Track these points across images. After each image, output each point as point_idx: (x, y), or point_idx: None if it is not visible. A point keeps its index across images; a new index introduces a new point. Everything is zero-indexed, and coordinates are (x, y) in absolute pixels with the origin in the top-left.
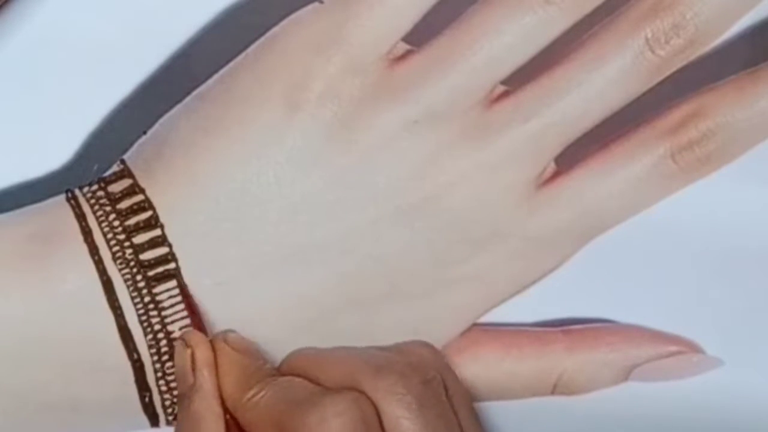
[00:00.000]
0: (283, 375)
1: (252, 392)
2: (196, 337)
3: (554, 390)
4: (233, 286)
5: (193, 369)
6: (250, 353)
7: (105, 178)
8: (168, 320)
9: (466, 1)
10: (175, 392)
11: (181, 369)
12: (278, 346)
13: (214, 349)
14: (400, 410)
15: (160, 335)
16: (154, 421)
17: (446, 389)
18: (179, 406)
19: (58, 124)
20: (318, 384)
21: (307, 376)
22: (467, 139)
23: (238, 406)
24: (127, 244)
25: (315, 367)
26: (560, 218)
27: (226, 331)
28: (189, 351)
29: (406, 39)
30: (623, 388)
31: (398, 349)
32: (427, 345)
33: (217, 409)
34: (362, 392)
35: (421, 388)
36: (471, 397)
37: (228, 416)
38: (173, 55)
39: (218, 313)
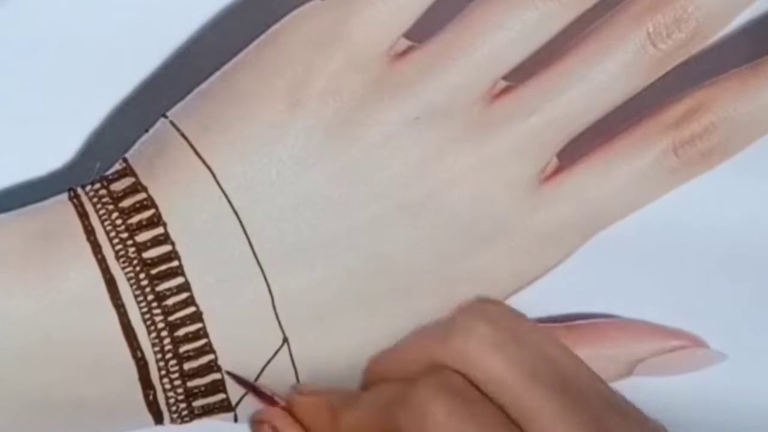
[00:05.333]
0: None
1: (345, 419)
2: (265, 412)
3: None
4: (236, 283)
5: None
6: (325, 391)
7: (107, 176)
8: (171, 318)
9: None
10: (179, 390)
11: None
12: (280, 342)
13: (293, 410)
14: (482, 360)
15: (164, 333)
16: (158, 419)
17: (517, 322)
18: None
19: (60, 123)
20: (401, 379)
21: (389, 378)
22: (469, 135)
23: None
24: (129, 242)
25: (392, 367)
26: (563, 213)
27: (293, 387)
28: (266, 425)
29: (408, 35)
30: (627, 383)
31: (455, 311)
32: (475, 301)
33: None
34: (443, 366)
35: (490, 330)
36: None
37: None
38: (175, 53)
39: (221, 311)
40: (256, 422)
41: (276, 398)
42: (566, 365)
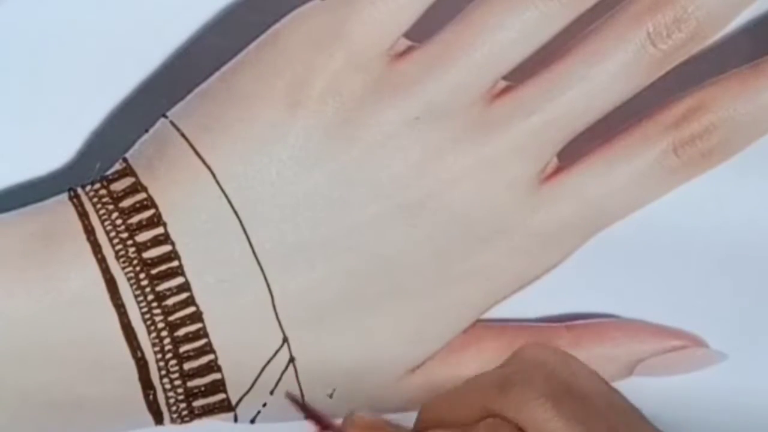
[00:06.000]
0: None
1: None
2: None
3: None
4: (236, 283)
5: None
6: (380, 425)
7: (107, 176)
8: (171, 318)
9: None
10: (179, 390)
11: None
12: (280, 342)
13: None
14: (538, 415)
15: (164, 333)
16: (158, 419)
17: (572, 374)
18: None
19: (60, 123)
20: (456, 427)
21: (443, 424)
22: (469, 135)
23: None
24: (130, 242)
25: (447, 412)
26: (563, 213)
27: (350, 415)
28: None
29: (408, 35)
30: (627, 383)
31: (513, 357)
32: (535, 344)
33: None
34: (497, 416)
35: (547, 385)
36: (598, 375)
37: None
38: (175, 53)
39: (221, 311)
40: None
41: (333, 424)
42: (620, 422)
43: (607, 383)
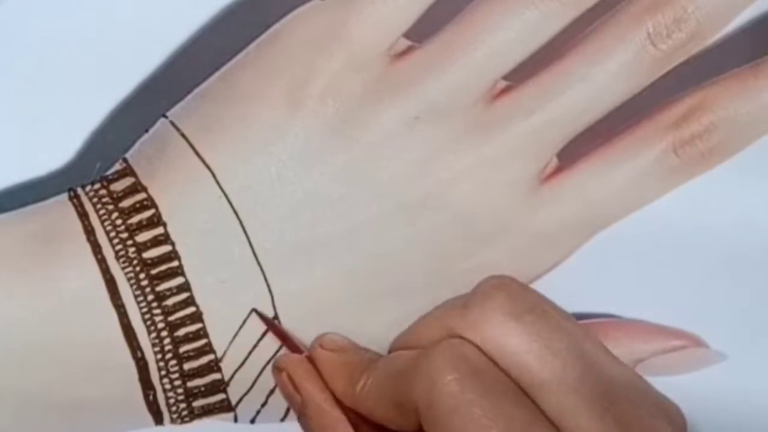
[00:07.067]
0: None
1: (361, 382)
2: (285, 359)
3: None
4: (236, 283)
5: (296, 388)
6: (348, 348)
7: (107, 176)
8: (171, 318)
9: None
10: (179, 390)
11: (286, 392)
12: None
13: (314, 361)
14: (498, 332)
15: (164, 333)
16: (158, 419)
17: (533, 295)
18: (302, 426)
19: (60, 123)
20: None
21: (408, 348)
22: (469, 135)
23: (354, 401)
24: (129, 242)
25: (412, 338)
26: (563, 213)
27: (319, 338)
28: (284, 374)
29: (408, 35)
30: None
31: (475, 287)
32: (494, 276)
33: (336, 414)
34: (458, 336)
35: (507, 303)
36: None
37: (351, 415)
38: (174, 53)
39: (221, 311)
40: (274, 368)
41: (299, 346)
42: (582, 339)
43: (574, 321)
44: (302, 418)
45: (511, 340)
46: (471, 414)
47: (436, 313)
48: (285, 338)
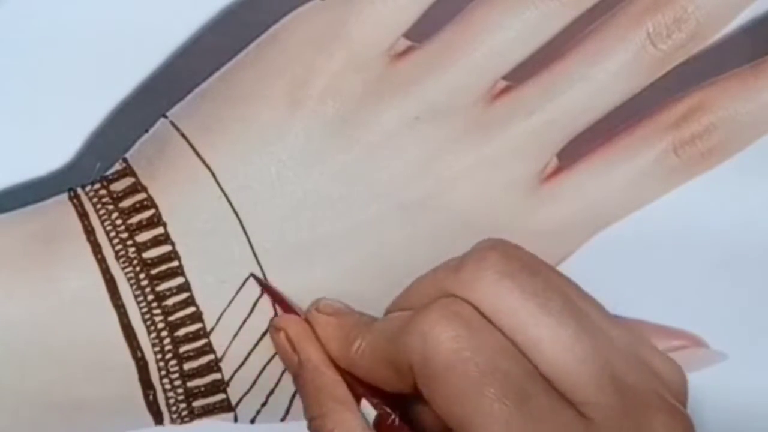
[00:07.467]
0: None
1: (356, 344)
2: (283, 319)
3: None
4: (236, 283)
5: (293, 348)
6: (344, 312)
7: (107, 176)
8: (171, 318)
9: None
10: (179, 390)
11: (283, 353)
12: None
13: (310, 324)
14: (491, 290)
15: (164, 333)
16: (158, 419)
17: (527, 254)
18: (297, 387)
19: (60, 123)
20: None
21: (403, 309)
22: (469, 135)
23: (350, 363)
24: (129, 242)
25: (406, 300)
26: (563, 213)
27: (316, 302)
28: (282, 333)
29: (408, 35)
30: None
31: (469, 250)
32: (488, 238)
33: (332, 375)
34: (452, 296)
35: (501, 262)
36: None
37: (347, 377)
38: (174, 53)
39: (221, 311)
40: (272, 328)
41: (296, 310)
42: (577, 299)
43: (569, 280)
44: (298, 380)
45: (505, 298)
46: (466, 370)
47: (431, 274)
48: (281, 301)
